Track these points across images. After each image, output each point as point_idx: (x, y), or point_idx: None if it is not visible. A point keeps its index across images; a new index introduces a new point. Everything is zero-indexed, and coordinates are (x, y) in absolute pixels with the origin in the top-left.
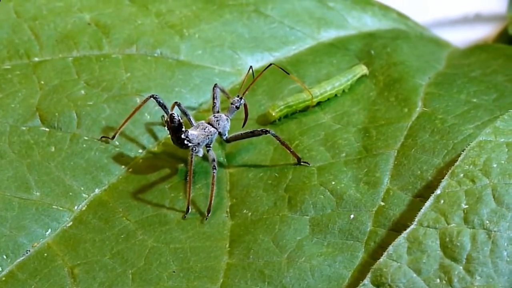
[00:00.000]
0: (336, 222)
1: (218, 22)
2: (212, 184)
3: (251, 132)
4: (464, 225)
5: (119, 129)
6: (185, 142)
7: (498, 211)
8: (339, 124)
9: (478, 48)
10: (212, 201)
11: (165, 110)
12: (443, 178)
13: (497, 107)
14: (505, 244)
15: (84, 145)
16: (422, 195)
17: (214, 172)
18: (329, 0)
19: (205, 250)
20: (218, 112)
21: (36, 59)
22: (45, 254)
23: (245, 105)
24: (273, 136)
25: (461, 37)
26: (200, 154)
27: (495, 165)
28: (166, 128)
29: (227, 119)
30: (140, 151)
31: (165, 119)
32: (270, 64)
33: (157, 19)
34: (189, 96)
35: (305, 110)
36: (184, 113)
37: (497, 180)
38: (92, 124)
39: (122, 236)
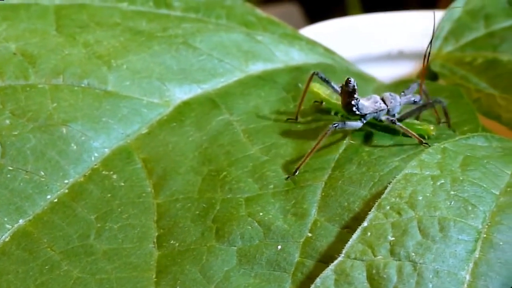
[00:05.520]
0: (264, 253)
1: (146, 53)
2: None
3: (423, 105)
4: (390, 257)
5: None
6: (354, 109)
7: (423, 243)
8: (267, 156)
9: (402, 84)
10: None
11: None
12: (370, 210)
13: None
14: (431, 276)
15: (9, 175)
16: (349, 226)
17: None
18: (257, 34)
19: (131, 281)
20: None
21: None
22: None
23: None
24: (443, 107)
25: (386, 73)
26: (359, 126)
27: (420, 198)
28: (340, 92)
29: (400, 103)
30: (66, 181)
31: (341, 84)
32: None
33: (85, 49)
34: (117, 126)
35: None
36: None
37: (423, 213)
38: (17, 154)
39: (46, 267)
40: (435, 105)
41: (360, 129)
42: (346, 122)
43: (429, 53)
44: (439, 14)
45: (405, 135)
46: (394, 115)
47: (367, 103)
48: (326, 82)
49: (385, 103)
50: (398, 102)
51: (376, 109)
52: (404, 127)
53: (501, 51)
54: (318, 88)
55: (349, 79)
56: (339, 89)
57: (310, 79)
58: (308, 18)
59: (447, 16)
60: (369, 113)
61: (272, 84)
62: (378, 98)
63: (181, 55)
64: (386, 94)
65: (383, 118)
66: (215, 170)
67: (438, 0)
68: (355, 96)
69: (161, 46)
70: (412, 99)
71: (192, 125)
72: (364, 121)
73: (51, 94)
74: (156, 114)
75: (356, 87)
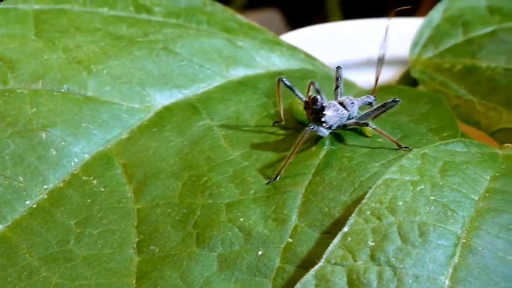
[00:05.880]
0: (244, 258)
1: (126, 58)
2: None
3: (382, 105)
4: (370, 262)
5: None
6: (324, 124)
7: (403, 248)
8: (248, 161)
9: (382, 90)
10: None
11: None
12: (350, 215)
13: None
14: (410, 281)
15: None
16: (329, 232)
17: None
18: (238, 40)
19: (111, 287)
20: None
21: None
22: None
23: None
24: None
25: (366, 79)
26: (326, 134)
27: (400, 203)
28: (304, 107)
29: (358, 105)
30: (45, 186)
31: (304, 100)
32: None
33: (64, 54)
34: (97, 132)
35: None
36: (318, 92)
37: (403, 218)
38: None
39: (25, 273)
40: (394, 104)
41: (338, 135)
42: (319, 127)
43: (383, 57)
44: (418, 21)
45: (360, 132)
46: (353, 118)
47: (330, 113)
48: (291, 89)
49: (345, 108)
50: (356, 105)
51: (340, 117)
52: (378, 129)
53: (479, 57)
54: (298, 108)
55: (316, 98)
56: (303, 98)
57: (278, 86)
58: (289, 24)
59: (426, 23)
60: (335, 123)
61: (253, 89)
62: (337, 104)
63: (161, 60)
64: (344, 99)
65: (347, 123)
66: (195, 176)
67: (417, 7)
68: (324, 112)
69: (142, 51)
70: (367, 100)
71: (172, 130)
72: (330, 130)
73: (30, 99)
74: (137, 119)
75: (324, 104)
